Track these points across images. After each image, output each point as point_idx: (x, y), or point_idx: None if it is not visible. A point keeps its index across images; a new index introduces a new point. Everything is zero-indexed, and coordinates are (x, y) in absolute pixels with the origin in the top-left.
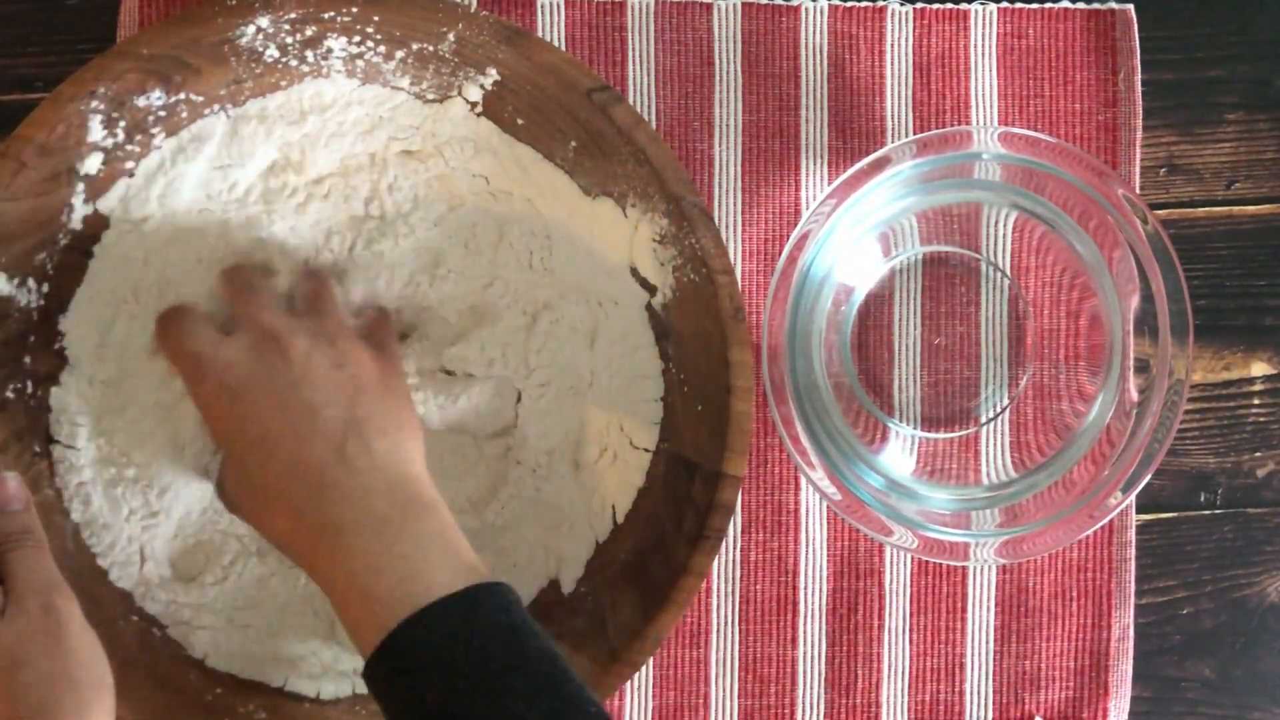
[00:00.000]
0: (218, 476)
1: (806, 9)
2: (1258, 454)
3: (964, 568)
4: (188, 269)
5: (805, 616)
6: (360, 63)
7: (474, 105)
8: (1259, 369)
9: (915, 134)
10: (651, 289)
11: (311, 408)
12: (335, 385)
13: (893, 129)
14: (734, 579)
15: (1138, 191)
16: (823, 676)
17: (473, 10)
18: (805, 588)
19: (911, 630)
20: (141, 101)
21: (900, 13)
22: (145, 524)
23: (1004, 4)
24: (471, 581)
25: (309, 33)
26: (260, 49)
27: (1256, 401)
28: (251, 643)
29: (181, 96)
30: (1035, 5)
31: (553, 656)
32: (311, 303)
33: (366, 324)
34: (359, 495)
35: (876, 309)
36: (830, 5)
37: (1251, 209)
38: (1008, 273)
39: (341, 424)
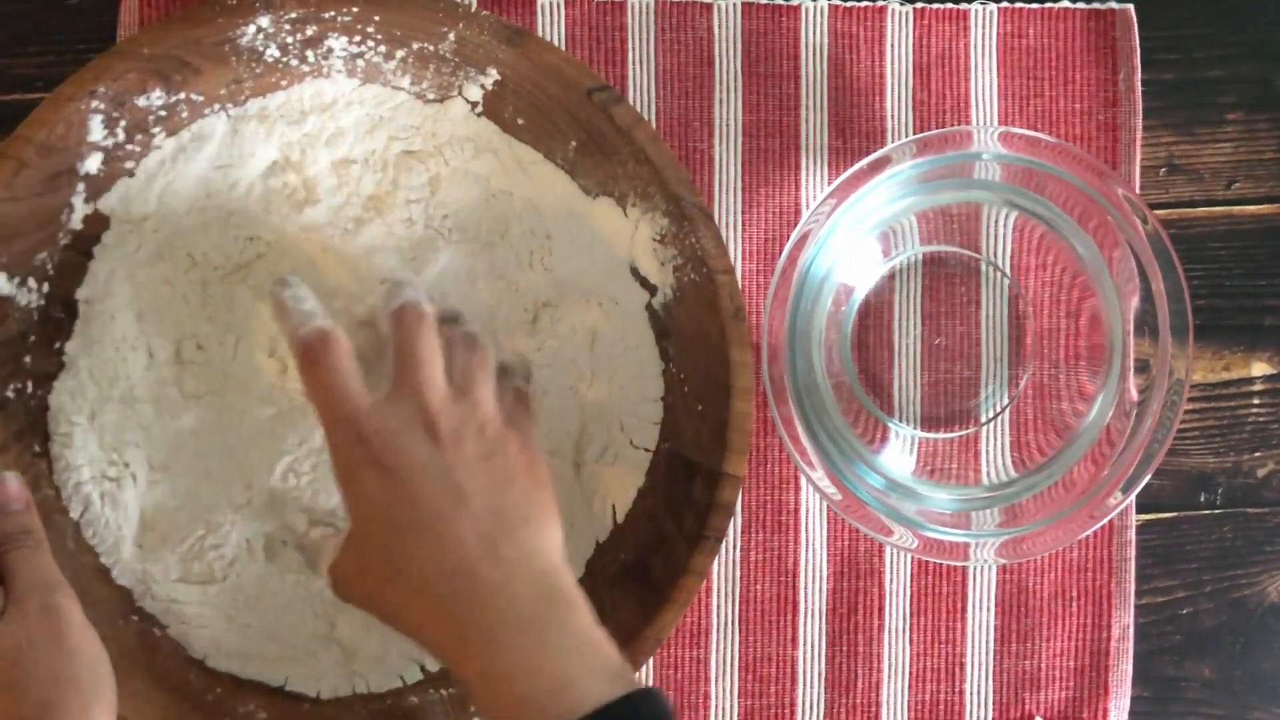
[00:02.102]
0: (331, 560)
1: (806, 9)
2: (1258, 454)
3: (964, 568)
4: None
5: (805, 616)
6: (361, 62)
7: (474, 105)
8: (1259, 369)
9: (915, 134)
10: (651, 289)
11: (463, 495)
12: (485, 474)
13: (893, 129)
14: (734, 579)
15: (1138, 191)
16: (823, 676)
17: (473, 10)
18: (805, 588)
19: (911, 630)
20: (142, 101)
21: (900, 13)
22: (143, 523)
23: (1004, 4)
24: (625, 689)
25: (309, 32)
26: (261, 49)
27: (1256, 401)
28: (251, 642)
29: (182, 96)
30: (1035, 5)
31: None
32: (466, 378)
33: (508, 407)
34: (506, 590)
35: (876, 309)
36: (830, 5)
37: (1251, 209)
38: (1008, 273)
39: (490, 514)
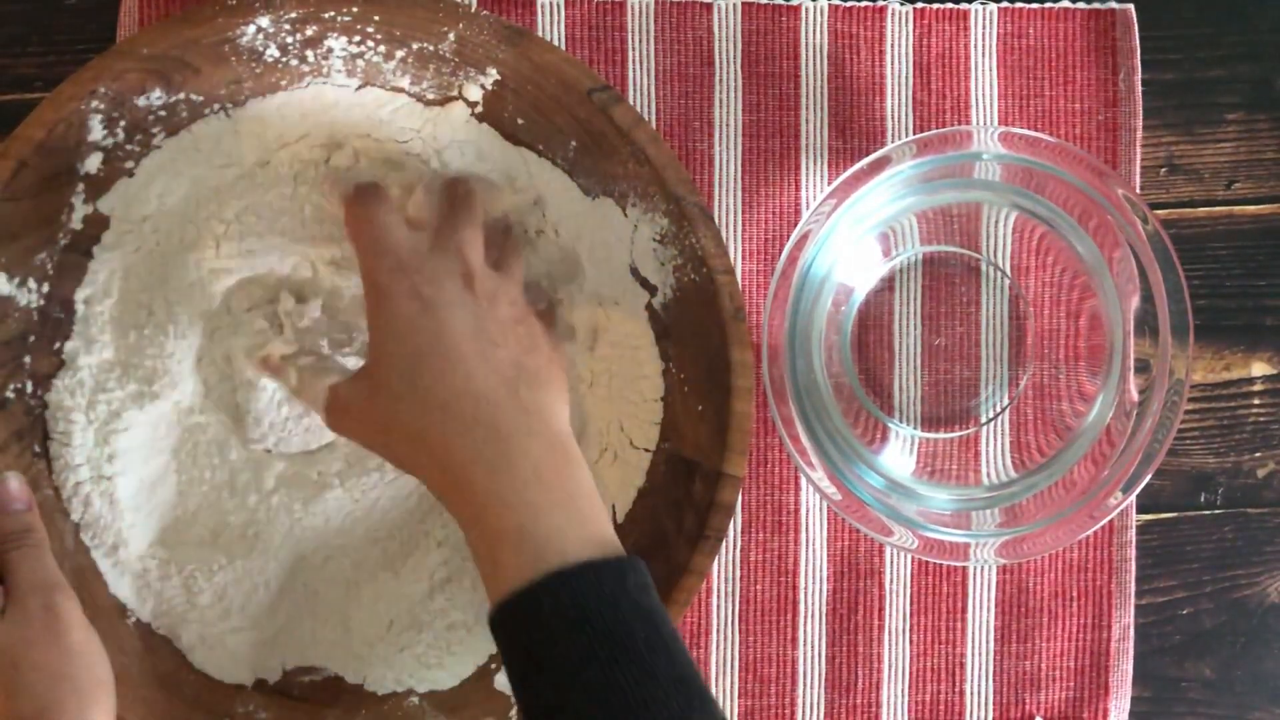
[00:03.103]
0: (333, 386)
1: (806, 9)
2: (1258, 454)
3: (964, 568)
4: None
5: (805, 616)
6: (360, 62)
7: (474, 105)
8: (1259, 369)
9: (915, 134)
10: (651, 289)
11: (493, 342)
12: (514, 335)
13: (893, 129)
14: (734, 579)
15: (1138, 191)
16: (823, 676)
17: (473, 10)
18: (805, 588)
19: (911, 630)
20: (141, 101)
21: (900, 13)
22: (143, 523)
23: (1004, 4)
24: (616, 553)
25: (309, 32)
26: (260, 49)
27: (1256, 401)
28: (250, 642)
29: (181, 96)
30: (1035, 5)
31: (687, 652)
32: (504, 262)
33: (544, 309)
34: (523, 432)
35: (876, 309)
36: (830, 5)
37: (1251, 209)
38: (1008, 273)
39: (515, 366)
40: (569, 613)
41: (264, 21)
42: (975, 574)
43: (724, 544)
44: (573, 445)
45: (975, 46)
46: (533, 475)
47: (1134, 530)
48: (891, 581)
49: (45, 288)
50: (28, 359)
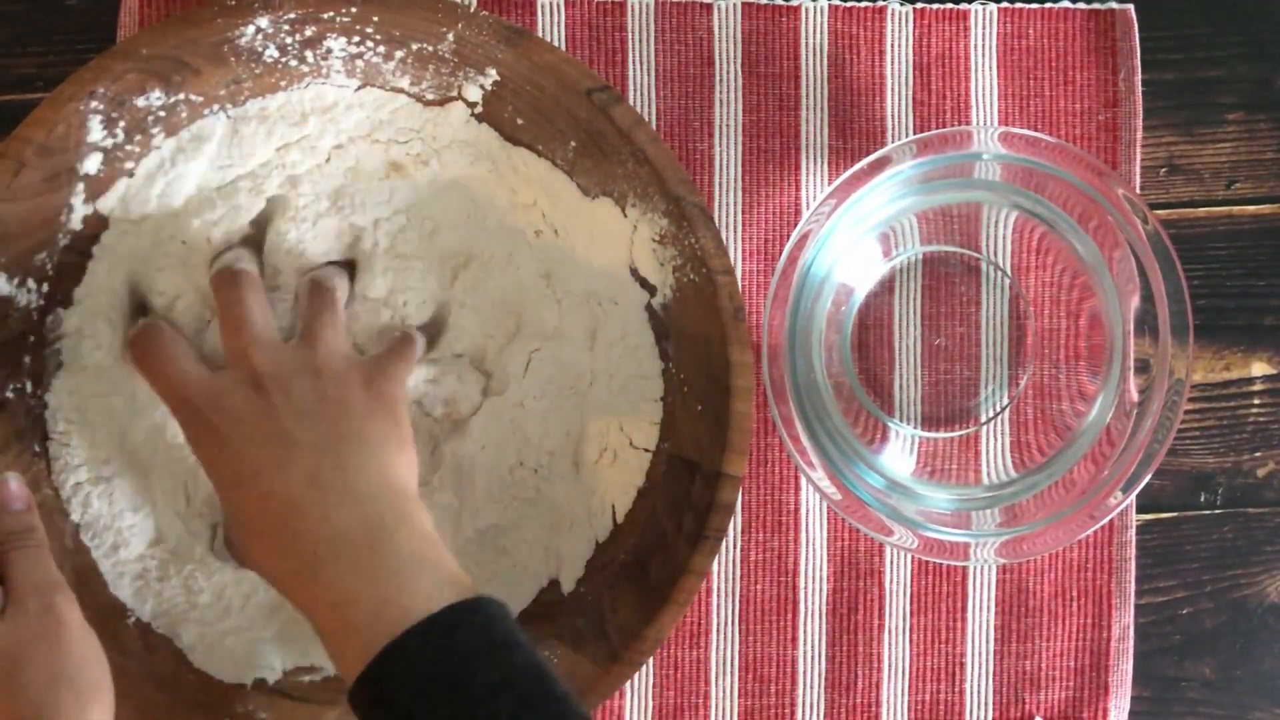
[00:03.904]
0: (225, 527)
1: (806, 9)
2: (1258, 454)
3: (964, 568)
4: (177, 271)
5: (805, 616)
6: (360, 63)
7: (474, 105)
8: (1259, 369)
9: (915, 134)
10: (651, 289)
11: (290, 438)
12: (317, 414)
13: (893, 129)
14: (734, 579)
15: (1138, 191)
16: (823, 676)
17: (473, 10)
18: (805, 588)
19: (911, 630)
20: (141, 101)
21: (900, 13)
22: (140, 524)
23: (1004, 4)
24: (452, 599)
25: (309, 33)
26: (260, 49)
27: (1256, 401)
28: (250, 642)
29: (181, 96)
30: (1035, 5)
31: (539, 671)
32: (308, 324)
33: (387, 347)
34: (328, 520)
35: (876, 309)
36: (830, 5)
37: (1251, 209)
38: (1008, 273)
39: (318, 449)
40: (403, 688)
41: (263, 22)
42: (975, 574)
43: (724, 544)
44: (392, 500)
45: (975, 47)
46: (347, 563)
47: (1134, 530)
48: (891, 581)
49: (45, 288)
50: (28, 359)
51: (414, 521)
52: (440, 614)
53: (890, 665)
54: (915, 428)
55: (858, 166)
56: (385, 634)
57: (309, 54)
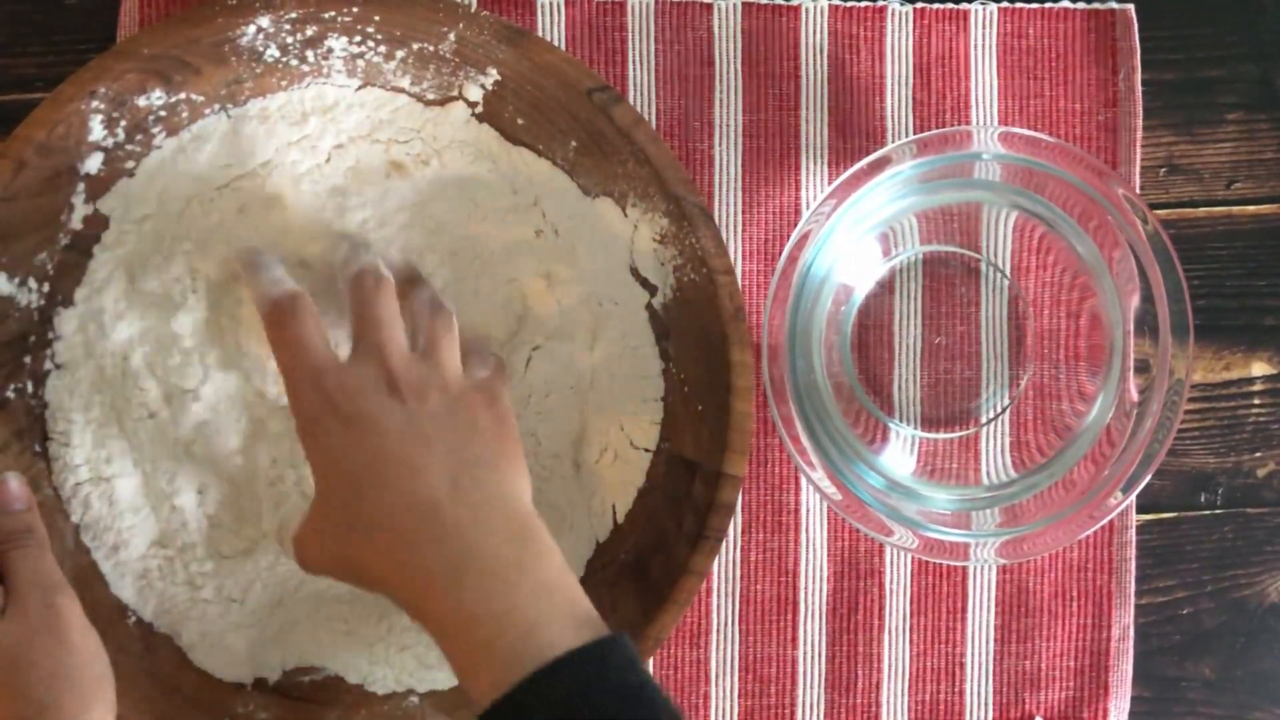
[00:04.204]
0: (295, 530)
1: (806, 9)
2: (1258, 454)
3: (964, 568)
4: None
5: (805, 616)
6: (360, 62)
7: (474, 105)
8: (1259, 369)
9: (915, 134)
10: (651, 289)
11: (427, 441)
12: (450, 426)
13: (893, 129)
14: (734, 579)
15: (1138, 191)
16: (823, 676)
17: (473, 10)
18: (805, 588)
19: (911, 630)
20: (142, 101)
21: (900, 13)
22: (140, 524)
23: (1004, 4)
24: (593, 635)
25: (309, 32)
26: (261, 49)
27: (1256, 401)
28: (250, 642)
29: (182, 96)
30: (1035, 5)
31: (677, 716)
32: (433, 342)
33: (485, 372)
34: (473, 530)
35: (876, 309)
36: (830, 5)
37: (1251, 209)
38: (1008, 273)
39: (455, 459)
40: (553, 712)
41: (264, 21)
42: (975, 574)
43: (724, 544)
44: (533, 524)
45: (975, 46)
46: (491, 577)
47: (1134, 530)
48: (891, 581)
49: (45, 288)
50: (28, 359)
51: (555, 550)
52: (586, 647)
53: (890, 665)
54: (915, 428)
55: (858, 166)
56: (531, 661)
57: (310, 53)
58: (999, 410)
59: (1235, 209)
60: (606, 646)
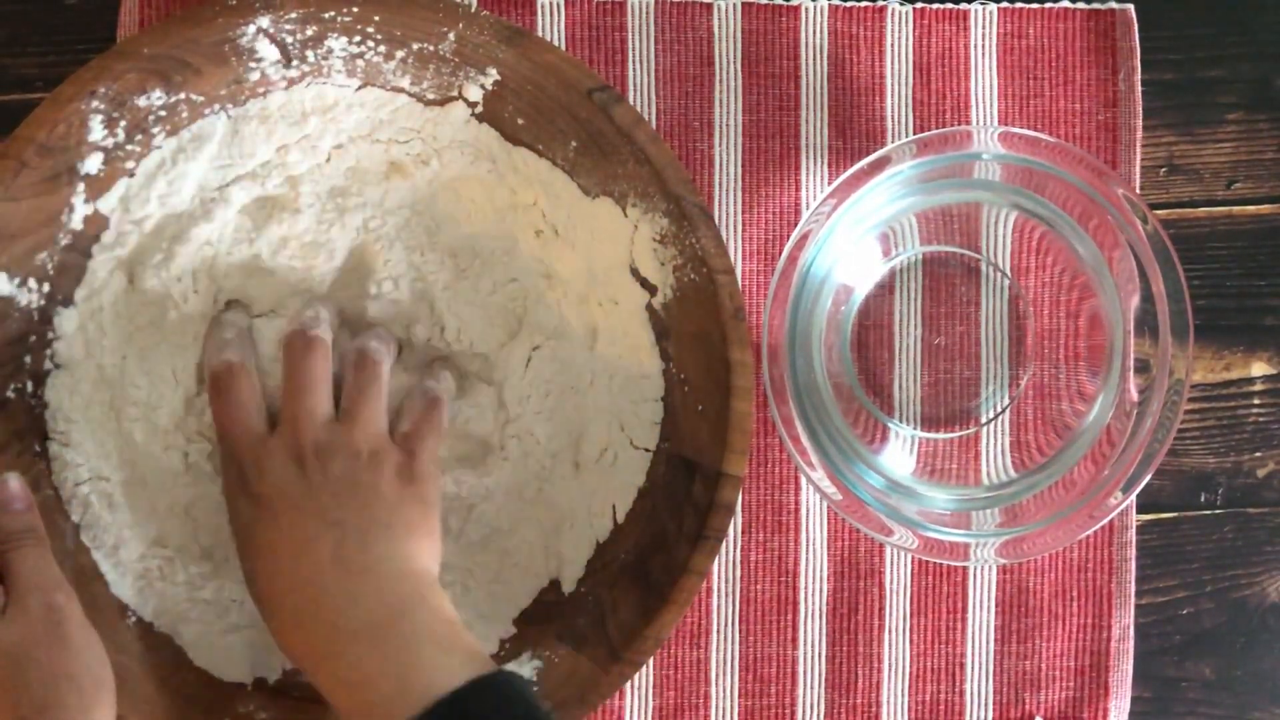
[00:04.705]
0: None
1: (806, 9)
2: (1258, 454)
3: (964, 568)
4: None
5: (805, 616)
6: (360, 62)
7: (474, 105)
8: (1259, 369)
9: (915, 134)
10: (651, 289)
11: (321, 512)
12: (351, 493)
13: (893, 129)
14: (734, 579)
15: (1138, 191)
16: (823, 676)
17: (473, 10)
18: (805, 588)
19: (911, 630)
20: (142, 101)
21: (900, 13)
22: (143, 523)
23: (1004, 4)
24: (470, 675)
25: (309, 32)
26: (261, 49)
27: (1256, 401)
28: (250, 641)
29: (182, 96)
30: (1035, 5)
31: None
32: (351, 400)
33: (416, 417)
34: (353, 601)
35: (876, 309)
36: (830, 5)
37: (1251, 209)
38: (1008, 273)
39: (347, 529)
40: None
41: (264, 21)
42: (975, 574)
43: (724, 544)
44: (413, 583)
45: (975, 46)
46: (366, 644)
47: (1134, 530)
48: (891, 581)
49: (45, 288)
50: (28, 359)
51: (433, 603)
52: (462, 689)
53: (890, 665)
54: (915, 428)
55: (858, 166)
56: (405, 712)
57: (310, 54)
58: (999, 410)
59: (1235, 209)
60: (479, 686)
